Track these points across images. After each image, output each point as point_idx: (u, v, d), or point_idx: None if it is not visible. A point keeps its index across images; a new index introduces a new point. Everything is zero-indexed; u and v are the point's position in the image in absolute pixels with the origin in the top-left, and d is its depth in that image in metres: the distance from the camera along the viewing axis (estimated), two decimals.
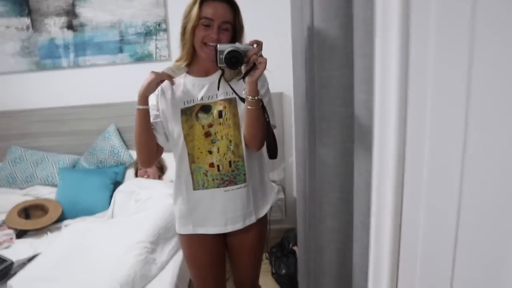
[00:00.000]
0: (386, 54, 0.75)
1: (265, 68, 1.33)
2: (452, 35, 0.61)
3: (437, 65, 0.64)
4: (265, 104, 1.45)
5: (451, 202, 0.65)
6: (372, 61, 0.91)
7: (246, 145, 1.49)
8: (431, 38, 0.64)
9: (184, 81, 1.52)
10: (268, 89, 1.53)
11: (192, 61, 1.50)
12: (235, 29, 1.46)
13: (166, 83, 1.51)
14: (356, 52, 0.98)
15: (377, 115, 0.79)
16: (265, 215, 1.65)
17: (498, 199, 0.55)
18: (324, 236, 1.33)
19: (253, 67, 1.32)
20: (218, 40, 1.38)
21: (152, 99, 1.51)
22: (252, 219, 1.58)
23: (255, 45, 1.34)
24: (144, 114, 1.45)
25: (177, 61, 1.52)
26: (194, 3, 1.41)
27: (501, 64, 0.51)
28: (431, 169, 0.68)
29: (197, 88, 1.50)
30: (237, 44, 1.34)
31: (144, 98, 1.43)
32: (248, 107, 1.39)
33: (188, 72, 1.53)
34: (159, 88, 1.50)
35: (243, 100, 1.43)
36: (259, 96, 1.38)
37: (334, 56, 1.18)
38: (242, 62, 1.32)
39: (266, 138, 1.48)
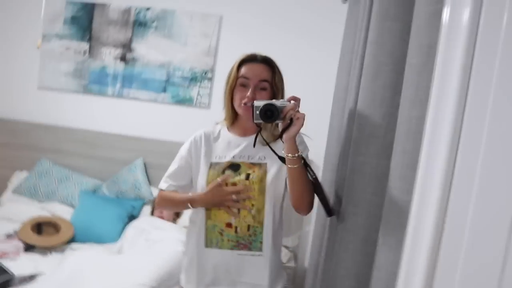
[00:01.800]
0: (432, 160, 0.74)
1: (302, 123, 1.29)
2: (504, 153, 0.60)
3: (483, 180, 0.63)
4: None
5: None
6: (410, 159, 0.90)
7: (295, 209, 1.43)
8: (481, 152, 0.64)
9: (223, 136, 1.55)
10: (307, 156, 1.49)
11: (234, 120, 1.54)
12: (274, 91, 1.48)
13: (204, 136, 1.55)
14: (396, 147, 0.97)
15: (412, 221, 0.76)
16: None
17: None
18: None
19: (290, 123, 1.29)
20: (255, 99, 1.40)
21: (184, 150, 1.56)
22: None
23: (292, 102, 1.32)
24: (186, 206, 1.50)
25: (224, 119, 1.57)
26: (234, 65, 1.48)
27: None
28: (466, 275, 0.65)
29: (232, 146, 1.52)
30: (273, 100, 1.34)
31: (202, 206, 1.48)
32: (289, 165, 1.34)
33: (229, 130, 1.56)
34: (192, 139, 1.55)
35: (282, 159, 1.38)
36: (299, 154, 1.33)
37: (371, 144, 1.17)
38: (278, 116, 1.30)
39: (319, 195, 1.40)
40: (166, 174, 1.58)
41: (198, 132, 1.57)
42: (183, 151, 1.57)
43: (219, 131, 1.58)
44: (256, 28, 3.02)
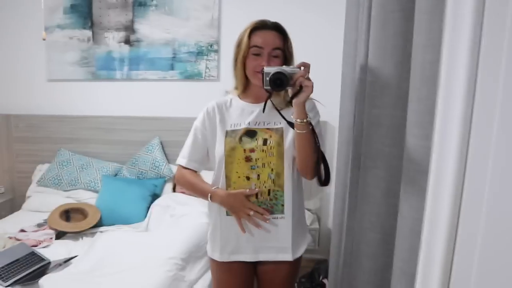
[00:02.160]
0: (449, 102, 0.73)
1: (311, 90, 1.31)
2: None
3: (504, 116, 0.62)
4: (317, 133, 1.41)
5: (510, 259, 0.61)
6: (427, 106, 0.89)
7: (300, 173, 1.47)
8: (500, 89, 0.62)
9: (236, 105, 1.55)
10: (319, 123, 1.52)
11: (246, 87, 1.53)
12: (286, 56, 1.47)
13: (217, 106, 1.55)
14: (411, 95, 0.96)
15: (433, 164, 0.76)
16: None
17: None
18: (359, 277, 1.29)
19: (300, 89, 1.31)
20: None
21: (198, 122, 1.57)
22: (287, 257, 1.53)
23: (302, 68, 1.32)
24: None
25: (234, 88, 1.57)
26: (244, 33, 1.46)
27: None
28: (488, 225, 0.65)
29: (246, 113, 1.52)
30: (283, 67, 1.34)
31: (219, 204, 1.51)
32: (297, 131, 1.36)
33: (241, 97, 1.56)
34: (205, 110, 1.56)
35: (291, 124, 1.39)
36: (307, 119, 1.35)
37: (386, 95, 1.16)
38: (287, 84, 1.31)
39: (317, 163, 1.43)
40: (184, 149, 1.60)
41: (210, 103, 1.58)
42: (197, 123, 1.58)
43: (231, 100, 1.58)
44: None
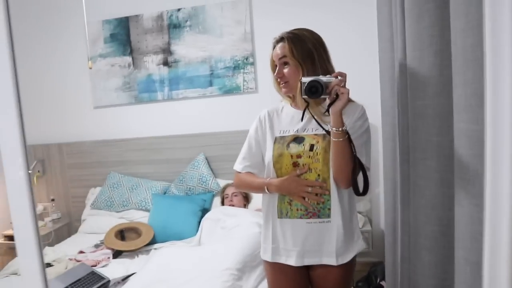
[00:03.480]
0: (497, 80, 0.72)
1: (347, 98, 1.34)
2: None
3: None
4: (359, 143, 1.44)
5: None
6: (473, 88, 0.88)
7: (334, 181, 1.48)
8: None
9: (286, 111, 1.61)
10: (366, 131, 1.52)
11: (295, 96, 1.57)
12: (299, 62, 1.50)
13: (268, 114, 1.62)
14: (456, 80, 0.95)
15: (488, 145, 0.75)
16: (351, 260, 1.57)
17: None
18: (419, 271, 1.26)
19: (336, 98, 1.35)
20: (281, 76, 1.52)
21: (252, 130, 1.64)
22: (332, 261, 1.52)
23: (338, 77, 1.37)
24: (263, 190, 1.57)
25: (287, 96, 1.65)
26: (271, 50, 1.59)
27: None
28: None
29: (295, 120, 1.56)
30: (320, 76, 1.39)
31: (277, 192, 1.53)
32: (333, 139, 1.39)
33: (291, 105, 1.62)
34: (258, 119, 1.64)
35: (328, 132, 1.43)
36: (344, 128, 1.38)
37: (429, 85, 1.15)
38: (322, 92, 1.35)
39: (353, 172, 1.44)
40: (240, 155, 1.66)
41: (262, 111, 1.65)
42: (251, 131, 1.65)
43: (283, 107, 1.64)
44: (286, 7, 3.01)
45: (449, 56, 1.03)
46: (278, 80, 1.54)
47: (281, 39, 1.53)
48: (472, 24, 0.87)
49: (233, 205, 2.78)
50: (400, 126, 1.39)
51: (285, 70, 1.51)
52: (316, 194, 1.48)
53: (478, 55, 0.85)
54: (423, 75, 1.17)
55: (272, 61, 1.57)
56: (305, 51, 1.49)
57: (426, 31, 1.15)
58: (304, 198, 1.49)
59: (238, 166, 1.66)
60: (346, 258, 1.54)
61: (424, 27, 1.15)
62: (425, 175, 1.19)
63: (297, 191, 1.47)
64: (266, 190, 1.54)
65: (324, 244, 1.51)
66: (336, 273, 1.55)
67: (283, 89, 1.55)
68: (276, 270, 1.61)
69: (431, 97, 1.15)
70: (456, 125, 0.98)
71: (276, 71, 1.54)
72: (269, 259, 1.59)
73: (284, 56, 1.51)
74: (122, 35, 3.29)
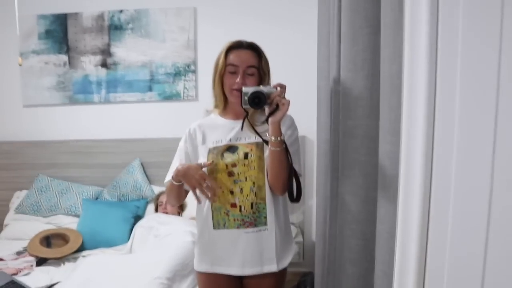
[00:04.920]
0: (413, 107, 0.78)
1: (287, 109, 1.38)
2: (478, 83, 0.65)
3: (463, 117, 0.67)
4: (292, 151, 1.48)
5: (479, 253, 0.66)
6: (398, 114, 0.94)
7: (270, 188, 1.51)
8: (458, 90, 0.68)
9: (217, 122, 1.60)
10: (297, 139, 1.58)
11: (226, 106, 1.58)
12: (260, 75, 1.53)
13: (198, 127, 1.60)
14: (383, 104, 1.02)
15: (402, 167, 0.81)
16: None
17: None
18: (344, 283, 1.32)
19: (276, 108, 1.38)
20: (244, 85, 1.47)
21: (182, 143, 1.62)
22: (273, 268, 1.55)
23: (278, 88, 1.40)
24: (177, 186, 1.54)
25: (214, 107, 1.62)
26: (221, 53, 1.53)
27: None
28: (456, 221, 0.70)
29: (227, 130, 1.56)
30: (261, 87, 1.42)
31: (181, 179, 1.51)
32: (271, 148, 1.43)
33: (221, 115, 1.61)
34: (187, 132, 1.61)
35: (267, 142, 1.46)
36: (281, 137, 1.42)
37: (359, 106, 1.22)
38: (265, 103, 1.38)
39: (289, 180, 1.50)
40: (170, 169, 1.63)
41: (192, 125, 1.63)
42: (181, 145, 1.63)
43: (212, 118, 1.62)
44: (231, 16, 3.04)
45: (379, 80, 1.09)
46: (234, 88, 1.49)
47: (249, 47, 1.52)
48: (399, 53, 0.93)
49: (167, 213, 2.73)
50: (332, 143, 1.45)
51: (248, 80, 1.50)
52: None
53: (402, 83, 0.92)
54: (354, 96, 1.24)
55: (223, 66, 1.51)
56: (267, 65, 1.54)
57: (359, 55, 1.21)
58: (195, 189, 1.47)
59: (168, 178, 1.61)
60: (285, 263, 1.59)
61: (357, 50, 1.22)
62: (352, 191, 1.26)
63: (191, 178, 1.45)
64: (173, 181, 1.51)
65: (264, 252, 1.54)
66: (272, 280, 1.59)
67: (235, 98, 1.49)
68: (211, 281, 1.60)
69: (361, 118, 1.22)
70: (381, 146, 1.04)
71: (239, 79, 1.48)
72: (205, 270, 1.59)
73: (253, 66, 1.51)
74: (58, 32, 3.15)
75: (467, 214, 0.68)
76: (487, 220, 0.64)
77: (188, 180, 1.47)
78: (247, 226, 1.52)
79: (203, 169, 1.51)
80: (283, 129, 1.47)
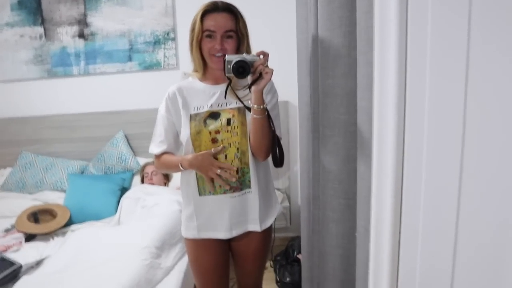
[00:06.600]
0: (384, 61, 0.77)
1: (270, 78, 1.37)
2: (448, 40, 0.63)
3: (434, 70, 0.66)
4: (273, 116, 1.48)
5: (450, 206, 0.66)
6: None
7: (252, 154, 1.51)
8: (428, 44, 0.66)
9: (196, 87, 1.56)
10: (277, 103, 1.58)
11: (205, 70, 1.55)
12: (239, 36, 1.50)
13: (177, 90, 1.56)
14: (360, 60, 1.00)
15: (375, 121, 0.80)
16: (270, 225, 1.66)
17: (497, 200, 0.57)
18: (328, 242, 1.34)
19: (259, 77, 1.37)
20: (223, 50, 1.45)
21: (162, 109, 1.58)
22: (256, 227, 1.58)
23: (261, 56, 1.38)
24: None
25: (193, 71, 1.58)
26: (196, 17, 1.48)
27: (498, 67, 0.53)
28: (429, 173, 0.70)
29: (208, 95, 1.54)
30: (244, 55, 1.39)
31: (189, 168, 1.51)
32: (254, 115, 1.43)
33: (201, 80, 1.57)
34: (167, 96, 1.57)
35: (249, 109, 1.46)
36: (264, 105, 1.41)
37: (338, 65, 1.20)
38: (249, 72, 1.36)
39: (272, 147, 1.50)
40: (154, 138, 1.61)
41: (170, 88, 1.58)
42: (161, 110, 1.59)
43: (191, 82, 1.59)
44: None
45: (356, 38, 1.07)
46: (212, 53, 1.46)
47: (225, 9, 1.47)
48: (373, 7, 0.91)
49: (153, 184, 2.73)
50: (312, 104, 1.44)
51: (227, 43, 1.46)
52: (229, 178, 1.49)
53: None
54: (332, 55, 1.22)
55: (199, 31, 1.46)
56: (245, 26, 1.50)
57: (336, 12, 1.18)
58: (212, 181, 1.50)
59: (155, 149, 1.61)
60: (268, 223, 1.62)
61: (334, 8, 1.18)
62: (333, 151, 1.25)
63: (207, 169, 1.47)
64: (181, 167, 1.52)
65: (248, 213, 1.57)
66: (257, 239, 1.63)
67: (215, 62, 1.47)
68: (199, 247, 1.62)
69: (340, 77, 1.20)
70: (359, 103, 1.03)
71: (218, 43, 1.45)
72: (193, 236, 1.61)
73: (230, 30, 1.46)
74: (31, 2, 3.04)
75: (440, 166, 0.68)
76: (459, 170, 0.64)
77: (204, 172, 1.48)
78: (234, 191, 1.53)
79: (186, 136, 1.50)
80: (264, 95, 1.46)
